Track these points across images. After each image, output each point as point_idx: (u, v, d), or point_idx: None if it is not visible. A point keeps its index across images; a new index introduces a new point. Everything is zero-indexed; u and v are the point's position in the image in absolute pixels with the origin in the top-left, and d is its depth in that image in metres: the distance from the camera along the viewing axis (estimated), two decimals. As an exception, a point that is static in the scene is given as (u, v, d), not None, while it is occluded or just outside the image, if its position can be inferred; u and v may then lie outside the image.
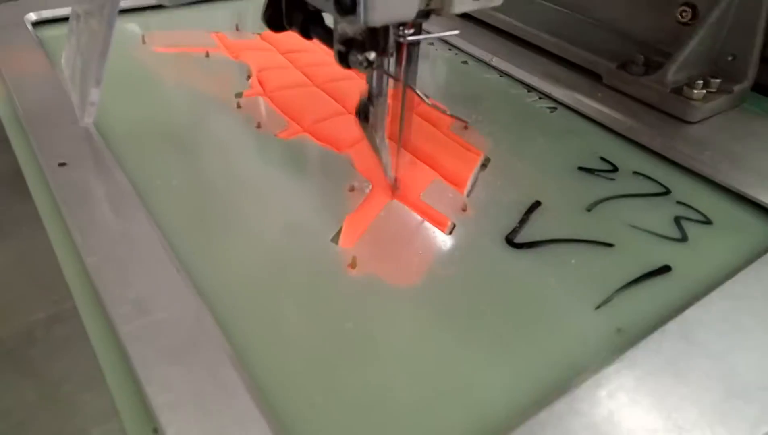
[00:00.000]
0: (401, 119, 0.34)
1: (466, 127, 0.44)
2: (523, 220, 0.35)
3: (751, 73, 0.46)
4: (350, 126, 0.42)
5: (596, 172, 0.40)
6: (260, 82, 0.47)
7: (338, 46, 0.30)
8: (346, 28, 0.29)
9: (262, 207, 0.35)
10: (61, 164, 0.35)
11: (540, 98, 0.49)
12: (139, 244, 0.30)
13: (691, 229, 0.36)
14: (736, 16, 0.45)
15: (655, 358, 0.26)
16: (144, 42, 0.52)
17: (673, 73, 0.45)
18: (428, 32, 0.30)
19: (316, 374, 0.26)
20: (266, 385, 0.25)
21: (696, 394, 0.25)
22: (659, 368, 0.26)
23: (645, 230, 0.35)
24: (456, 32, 0.33)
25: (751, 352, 0.27)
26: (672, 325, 0.28)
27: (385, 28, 0.29)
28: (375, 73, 0.31)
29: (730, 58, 0.47)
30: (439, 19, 0.29)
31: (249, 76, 0.48)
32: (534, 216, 0.36)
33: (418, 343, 0.28)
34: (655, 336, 0.27)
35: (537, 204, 0.37)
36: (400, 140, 0.35)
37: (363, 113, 0.33)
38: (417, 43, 0.31)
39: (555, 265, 0.33)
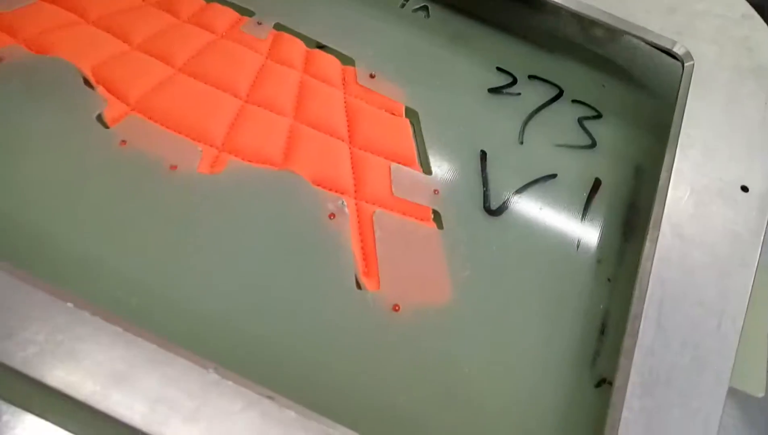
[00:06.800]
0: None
1: (372, 76, 0.42)
2: (484, 181, 0.39)
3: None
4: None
5: (504, 91, 0.43)
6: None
7: None
8: None
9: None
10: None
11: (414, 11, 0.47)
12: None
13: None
14: None
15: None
16: None
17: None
18: None
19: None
20: None
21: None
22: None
23: (568, 146, 0.42)
24: None
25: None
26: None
27: None
28: None
29: None
30: None
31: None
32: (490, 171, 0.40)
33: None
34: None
35: (484, 155, 0.40)
36: None
37: None
38: None
39: (528, 216, 0.38)
